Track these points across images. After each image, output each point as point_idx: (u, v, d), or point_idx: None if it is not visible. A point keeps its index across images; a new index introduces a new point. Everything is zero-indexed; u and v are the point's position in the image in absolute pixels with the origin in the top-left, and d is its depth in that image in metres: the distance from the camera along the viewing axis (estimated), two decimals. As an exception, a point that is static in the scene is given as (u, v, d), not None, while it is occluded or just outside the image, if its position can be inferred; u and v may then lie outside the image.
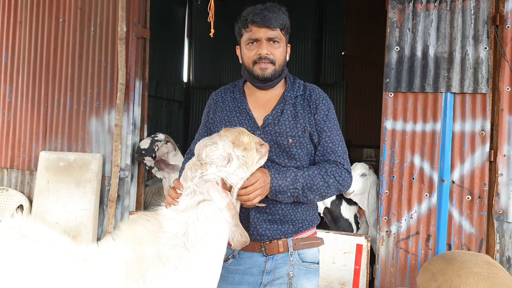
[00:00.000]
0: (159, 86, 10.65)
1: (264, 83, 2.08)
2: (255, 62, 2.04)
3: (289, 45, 2.16)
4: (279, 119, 2.04)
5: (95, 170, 4.50)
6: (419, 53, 3.80)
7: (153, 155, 4.55)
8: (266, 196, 1.91)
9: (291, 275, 2.01)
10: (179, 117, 12.09)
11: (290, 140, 2.00)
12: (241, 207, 1.92)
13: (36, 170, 4.82)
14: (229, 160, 1.78)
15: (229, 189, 1.77)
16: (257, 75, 2.05)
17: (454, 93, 3.70)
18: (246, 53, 2.08)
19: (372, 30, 10.43)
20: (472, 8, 3.67)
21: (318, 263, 2.13)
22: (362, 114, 10.73)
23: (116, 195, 4.46)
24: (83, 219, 4.43)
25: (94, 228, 4.44)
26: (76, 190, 4.50)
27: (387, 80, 3.85)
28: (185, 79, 12.42)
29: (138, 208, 4.66)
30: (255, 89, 2.16)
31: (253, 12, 2.01)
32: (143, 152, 4.52)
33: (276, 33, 2.02)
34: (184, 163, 2.21)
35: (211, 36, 3.85)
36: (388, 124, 3.85)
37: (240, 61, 2.16)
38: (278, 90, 2.15)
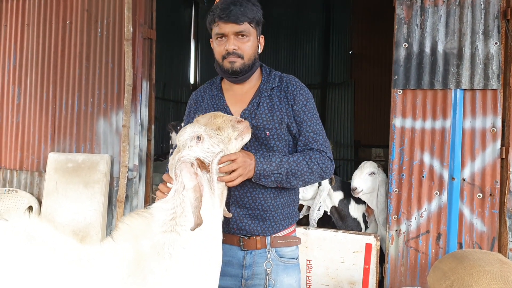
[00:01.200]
0: (167, 88, 10.68)
1: (235, 77, 2.09)
2: (224, 57, 2.06)
3: (262, 36, 2.16)
4: (255, 112, 2.06)
5: (104, 171, 4.51)
6: (427, 49, 3.76)
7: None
8: (250, 180, 1.94)
9: (268, 272, 2.04)
10: (186, 118, 12.11)
11: (268, 133, 2.02)
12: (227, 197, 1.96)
13: (45, 171, 4.83)
14: (200, 139, 1.81)
15: (207, 167, 1.79)
16: (226, 69, 2.07)
17: (464, 89, 3.66)
18: (216, 47, 2.10)
19: (379, 28, 10.38)
20: (482, 2, 3.63)
21: (297, 259, 2.16)
22: (371, 114, 10.68)
23: (125, 195, 4.46)
24: (92, 220, 4.43)
25: (103, 229, 4.44)
26: (85, 190, 4.51)
27: (396, 77, 3.82)
28: (191, 81, 12.44)
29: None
30: (231, 83, 2.17)
31: (220, 7, 2.02)
32: (178, 128, 4.76)
33: (244, 27, 2.02)
34: (169, 160, 2.28)
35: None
36: (397, 121, 3.81)
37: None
38: (253, 82, 2.17)
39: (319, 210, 4.05)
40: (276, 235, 2.07)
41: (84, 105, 4.79)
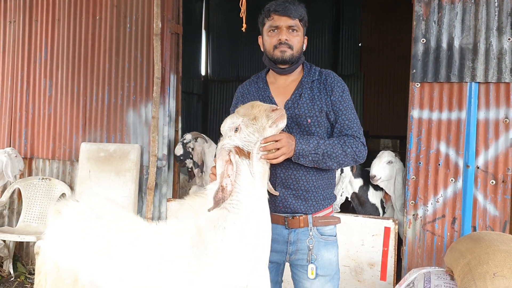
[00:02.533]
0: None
1: (283, 68, 2.34)
2: (275, 47, 2.31)
3: (306, 37, 2.42)
4: (298, 102, 2.29)
5: (134, 160, 4.73)
6: (444, 44, 3.95)
7: (191, 156, 4.85)
8: (294, 162, 2.17)
9: (311, 247, 2.27)
10: (198, 110, 12.28)
11: (309, 120, 2.25)
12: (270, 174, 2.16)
13: (76, 160, 5.06)
14: (237, 129, 2.03)
15: (247, 154, 2.02)
16: (277, 58, 2.30)
17: (479, 82, 3.85)
18: (267, 39, 2.35)
19: (389, 21, 10.51)
20: (496, 0, 3.82)
21: (335, 236, 2.40)
22: (380, 105, 10.85)
23: (154, 183, 4.68)
24: (124, 206, 4.64)
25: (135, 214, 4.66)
26: (117, 178, 4.75)
27: (414, 71, 4.01)
28: (203, 73, 12.56)
29: (174, 196, 4.89)
30: (276, 76, 2.42)
31: (276, 3, 2.29)
32: (181, 158, 4.80)
33: (295, 22, 2.29)
34: None
35: (243, 30, 4.01)
36: (414, 113, 4.01)
37: (262, 49, 2.43)
38: (296, 75, 2.41)
39: (341, 195, 4.28)
40: (317, 214, 2.31)
41: (114, 97, 5.00)
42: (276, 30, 2.30)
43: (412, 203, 4.00)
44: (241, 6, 3.96)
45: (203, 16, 12.23)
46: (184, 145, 4.86)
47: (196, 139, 4.94)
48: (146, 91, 4.86)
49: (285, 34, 2.28)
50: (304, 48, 2.41)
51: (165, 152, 4.76)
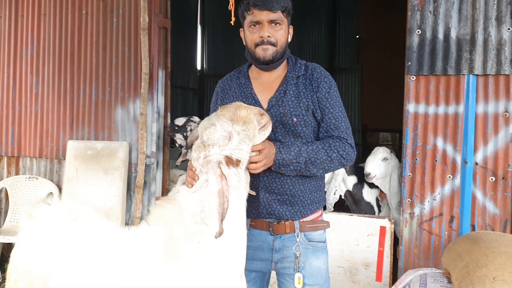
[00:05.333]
0: (174, 75, 10.68)
1: (266, 64, 2.17)
2: (257, 45, 2.14)
3: (291, 26, 2.24)
4: (282, 100, 2.13)
5: (122, 157, 4.61)
6: (440, 35, 3.81)
7: (185, 134, 4.71)
8: (269, 168, 2.03)
9: (298, 255, 2.13)
10: (193, 105, 12.16)
11: (295, 119, 2.10)
12: (251, 182, 2.04)
13: (64, 158, 4.94)
14: (230, 138, 1.87)
15: (236, 163, 1.88)
16: (258, 57, 2.14)
17: (477, 75, 3.71)
18: (248, 35, 2.17)
19: (386, 12, 10.35)
20: (494, -11, 3.68)
21: (324, 242, 2.25)
22: (378, 98, 10.70)
23: (143, 181, 4.57)
24: (112, 205, 4.55)
25: (123, 214, 4.56)
26: (105, 177, 4.63)
27: (409, 63, 3.87)
28: (198, 67, 12.45)
29: (164, 194, 4.77)
30: (259, 72, 2.25)
31: None
32: (176, 128, 4.71)
33: (277, 15, 2.11)
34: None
35: (232, 24, 3.88)
36: (410, 107, 3.88)
37: (244, 43, 2.25)
38: (280, 71, 2.24)
39: (334, 194, 4.15)
40: (305, 219, 2.16)
41: (101, 93, 4.88)
42: (257, 25, 2.13)
43: (408, 201, 3.88)
44: (229, -2, 3.83)
45: (199, 10, 12.10)
46: (188, 121, 4.78)
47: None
48: (134, 87, 4.74)
49: (267, 30, 2.11)
50: (290, 39, 2.24)
51: (154, 149, 4.64)
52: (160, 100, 4.70)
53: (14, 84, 5.27)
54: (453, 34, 3.78)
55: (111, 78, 4.84)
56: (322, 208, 2.29)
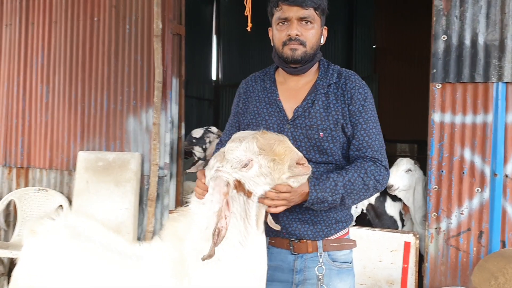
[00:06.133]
0: (189, 85, 10.65)
1: (294, 67, 1.97)
2: (284, 44, 1.93)
3: (325, 28, 2.04)
4: (309, 110, 1.92)
5: (135, 169, 4.48)
6: (467, 41, 3.64)
7: (204, 147, 4.62)
8: (299, 204, 1.80)
9: (320, 277, 1.92)
10: (209, 115, 12.13)
11: (321, 133, 1.89)
12: None
13: (74, 170, 4.81)
14: (247, 165, 1.66)
15: (248, 194, 1.68)
16: (286, 57, 1.93)
17: (506, 82, 3.53)
18: (276, 34, 1.98)
19: (403, 21, 10.29)
20: (525, -9, 3.51)
21: (351, 263, 2.04)
22: (396, 108, 10.52)
23: (156, 194, 4.43)
24: (124, 219, 4.41)
25: (134, 228, 4.42)
26: (116, 189, 4.49)
27: (434, 70, 3.70)
28: (213, 78, 12.43)
29: (177, 207, 4.62)
30: (287, 76, 2.04)
31: None
32: (194, 141, 4.61)
33: (309, 12, 1.90)
34: (213, 155, 2.18)
35: (248, 30, 3.76)
36: (436, 116, 3.70)
37: (272, 44, 2.05)
38: (310, 76, 2.03)
39: (356, 207, 3.99)
40: (329, 238, 1.97)
41: (113, 103, 4.76)
42: (286, 23, 1.92)
43: (434, 215, 3.69)
44: (246, 3, 3.71)
45: (214, 20, 12.10)
46: (206, 132, 4.66)
47: (218, 135, 4.69)
48: (147, 96, 4.62)
49: (295, 28, 1.90)
50: (323, 41, 2.04)
51: (167, 160, 4.50)
52: (174, 109, 4.57)
53: (24, 93, 5.18)
54: (481, 40, 3.62)
55: (123, 86, 4.71)
56: (348, 228, 2.09)
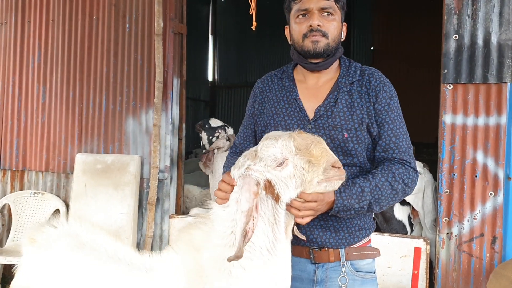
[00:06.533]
0: (185, 86, 10.57)
1: (316, 63, 1.86)
2: (305, 36, 1.83)
3: (345, 24, 1.93)
4: (332, 110, 1.82)
5: (134, 172, 4.35)
6: (480, 41, 3.54)
7: (210, 138, 4.62)
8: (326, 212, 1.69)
9: None
10: (205, 116, 12.02)
11: (346, 134, 1.78)
12: None
13: (71, 173, 4.68)
14: (281, 164, 1.55)
15: (276, 198, 1.57)
16: (307, 50, 1.82)
17: (521, 83, 3.45)
18: (295, 28, 1.87)
19: (401, 24, 10.29)
20: (540, -10, 3.41)
21: (374, 273, 1.93)
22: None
23: (156, 198, 4.31)
24: (123, 223, 4.28)
25: (134, 233, 4.29)
26: (115, 193, 4.36)
27: (445, 71, 3.60)
28: (210, 78, 12.32)
29: (177, 212, 4.50)
30: (306, 74, 1.93)
31: None
32: (207, 126, 4.67)
33: (330, 3, 1.81)
34: (227, 157, 2.05)
35: (253, 29, 3.65)
36: (447, 118, 3.60)
37: (289, 42, 1.95)
38: (331, 74, 1.92)
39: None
40: (351, 246, 1.85)
41: (112, 103, 4.64)
42: (306, 15, 1.82)
43: (445, 220, 3.59)
44: (251, 2, 3.59)
45: (210, 21, 12.00)
46: (222, 127, 4.74)
47: (228, 138, 4.62)
48: (147, 96, 4.50)
49: (317, 19, 1.79)
50: (343, 37, 1.93)
51: (168, 163, 4.38)
52: (174, 110, 4.45)
53: (19, 93, 5.05)
54: (494, 40, 3.52)
55: (122, 87, 4.60)
56: (370, 235, 1.96)
